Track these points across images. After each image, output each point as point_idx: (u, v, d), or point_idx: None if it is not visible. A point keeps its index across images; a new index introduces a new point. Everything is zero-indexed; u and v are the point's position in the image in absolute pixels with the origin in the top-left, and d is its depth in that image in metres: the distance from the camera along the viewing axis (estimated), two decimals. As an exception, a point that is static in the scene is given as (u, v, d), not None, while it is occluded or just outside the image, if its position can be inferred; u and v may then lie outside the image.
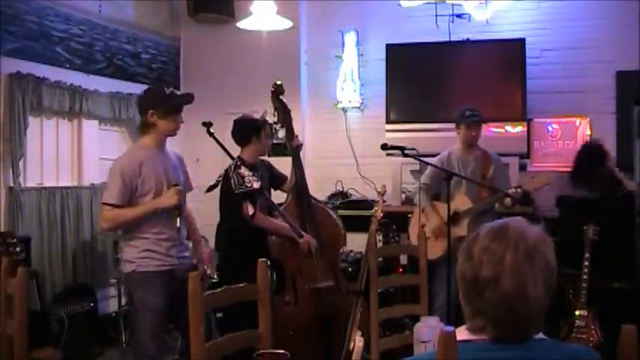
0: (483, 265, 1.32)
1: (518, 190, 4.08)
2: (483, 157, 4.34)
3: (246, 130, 3.92)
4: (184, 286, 3.33)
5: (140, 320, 3.27)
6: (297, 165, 4.05)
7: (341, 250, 4.46)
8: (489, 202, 4.23)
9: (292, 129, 4.10)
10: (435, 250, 3.98)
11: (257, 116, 4.03)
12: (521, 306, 1.30)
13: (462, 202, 4.19)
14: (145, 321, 3.24)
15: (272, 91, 4.04)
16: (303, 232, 3.84)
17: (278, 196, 4.19)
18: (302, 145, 4.19)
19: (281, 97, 4.04)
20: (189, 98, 3.40)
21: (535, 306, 1.31)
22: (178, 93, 3.47)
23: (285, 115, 4.06)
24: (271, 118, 4.23)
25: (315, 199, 4.18)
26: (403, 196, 5.47)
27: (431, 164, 4.14)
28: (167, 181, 3.33)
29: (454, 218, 4.11)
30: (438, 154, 4.43)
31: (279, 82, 4.04)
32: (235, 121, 3.99)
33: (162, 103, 3.28)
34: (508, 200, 4.18)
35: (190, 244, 3.57)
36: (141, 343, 3.27)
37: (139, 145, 3.40)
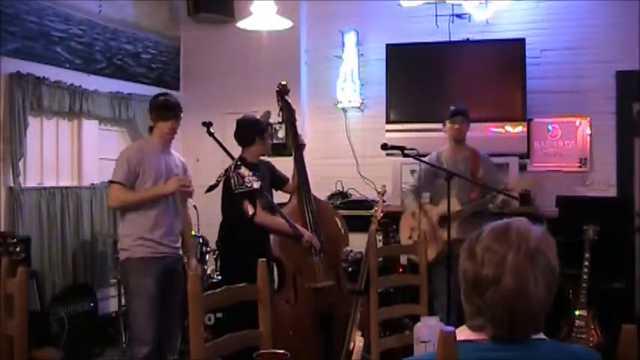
0: (485, 265, 1.33)
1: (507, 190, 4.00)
2: (473, 156, 4.28)
3: (251, 131, 3.92)
4: (176, 274, 3.54)
5: (134, 306, 3.50)
6: (300, 165, 4.05)
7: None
8: (479, 205, 4.14)
9: (296, 128, 4.13)
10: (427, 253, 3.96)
11: (259, 117, 4.04)
12: (521, 305, 1.31)
13: (451, 204, 4.16)
14: (138, 305, 3.46)
15: (277, 91, 4.07)
16: (303, 232, 3.82)
17: (280, 197, 4.20)
18: (305, 145, 4.19)
19: (286, 97, 4.08)
20: (171, 105, 3.64)
21: (535, 306, 1.32)
22: (172, 100, 3.73)
23: (289, 114, 4.11)
24: (275, 118, 4.24)
25: (318, 199, 4.18)
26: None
27: (428, 163, 4.12)
28: (166, 176, 3.62)
29: (444, 221, 4.09)
30: None
31: (284, 82, 4.10)
32: (238, 123, 3.98)
33: (154, 109, 3.67)
34: (499, 201, 4.08)
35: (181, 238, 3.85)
36: (135, 329, 3.48)
37: (146, 139, 3.82)
